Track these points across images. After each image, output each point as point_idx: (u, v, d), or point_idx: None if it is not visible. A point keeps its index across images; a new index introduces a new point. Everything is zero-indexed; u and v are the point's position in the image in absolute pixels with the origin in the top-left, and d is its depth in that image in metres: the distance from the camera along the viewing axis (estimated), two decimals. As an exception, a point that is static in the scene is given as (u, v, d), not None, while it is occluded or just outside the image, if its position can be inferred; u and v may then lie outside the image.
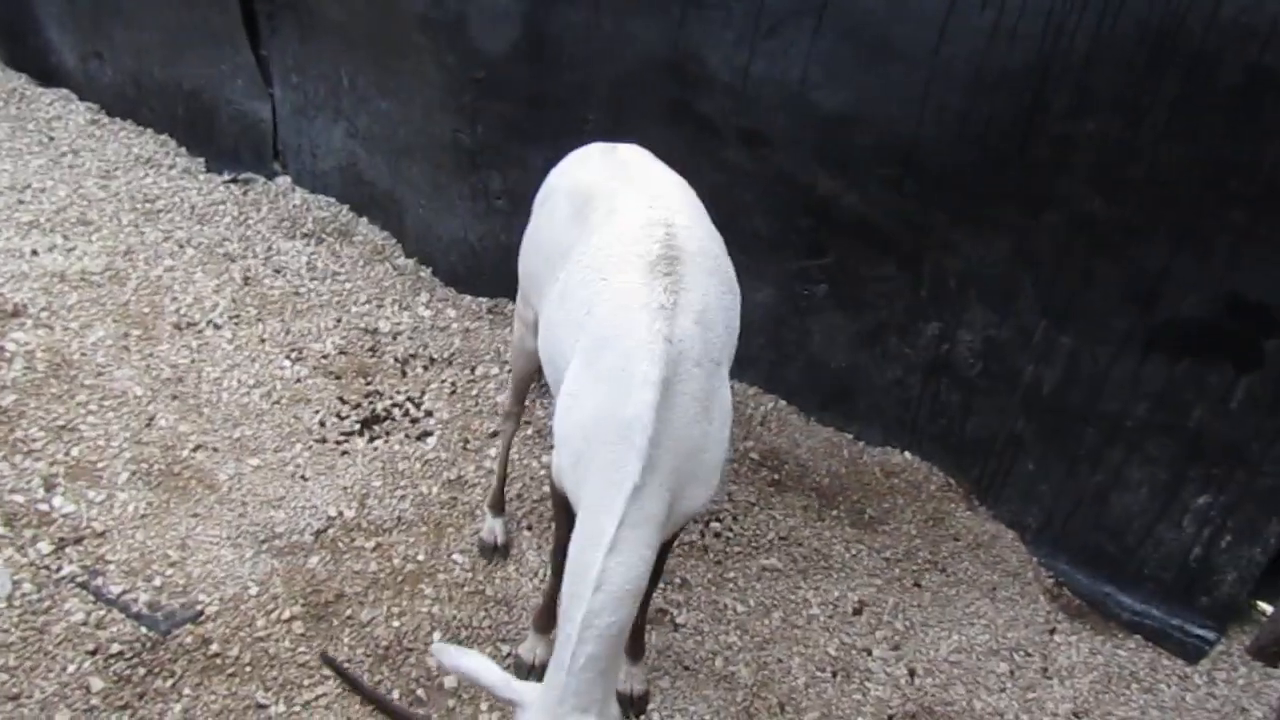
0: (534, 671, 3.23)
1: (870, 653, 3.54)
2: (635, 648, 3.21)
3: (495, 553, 3.70)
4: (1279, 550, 3.53)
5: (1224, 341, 3.35)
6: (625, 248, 2.70)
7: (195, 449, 3.98)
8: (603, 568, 2.26)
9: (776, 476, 4.20)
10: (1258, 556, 3.54)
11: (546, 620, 3.25)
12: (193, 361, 4.43)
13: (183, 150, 6.07)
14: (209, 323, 4.68)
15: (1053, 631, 3.71)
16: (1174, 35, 3.08)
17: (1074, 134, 3.38)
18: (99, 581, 3.39)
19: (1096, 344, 3.62)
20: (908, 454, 4.36)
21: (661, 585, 3.57)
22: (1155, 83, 3.17)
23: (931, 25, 3.47)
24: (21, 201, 5.30)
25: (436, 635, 3.37)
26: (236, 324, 4.70)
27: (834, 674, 3.44)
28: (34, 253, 4.88)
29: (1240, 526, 3.53)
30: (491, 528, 3.74)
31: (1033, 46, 3.33)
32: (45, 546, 3.42)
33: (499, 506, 3.78)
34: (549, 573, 3.30)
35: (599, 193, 3.00)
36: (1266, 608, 3.69)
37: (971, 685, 3.47)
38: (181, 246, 5.18)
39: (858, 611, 3.69)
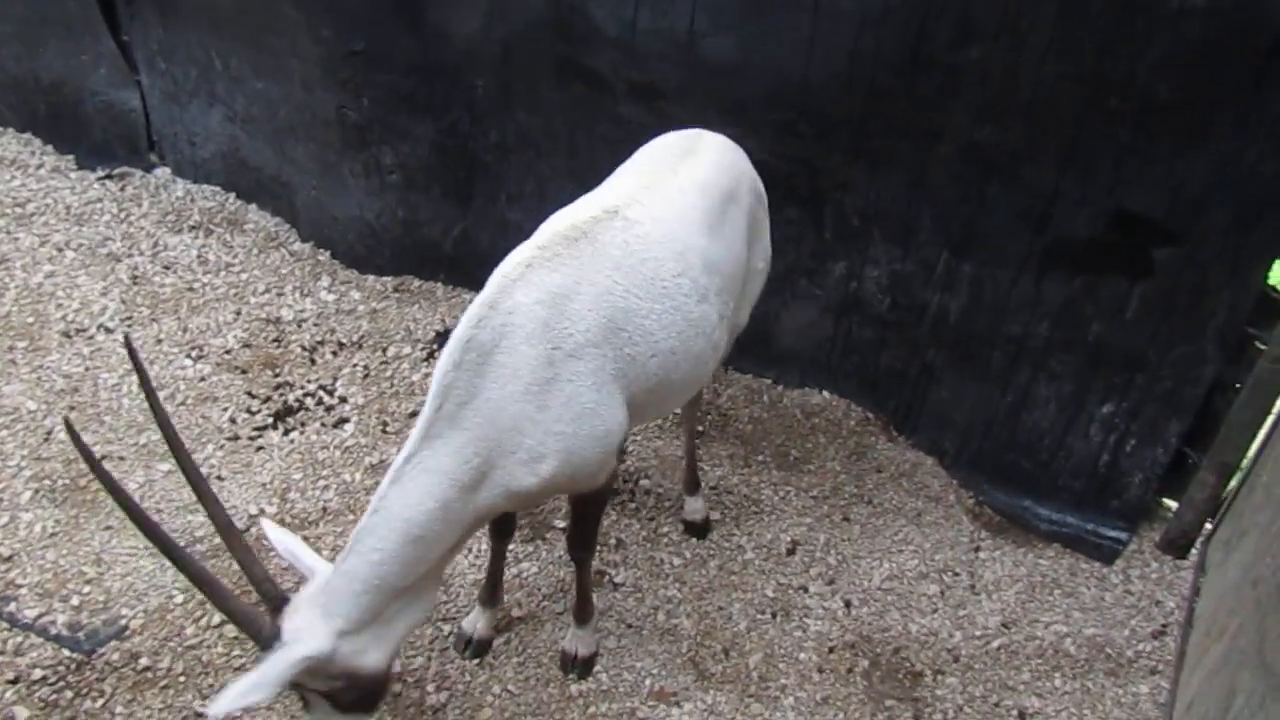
0: (471, 644, 3.25)
1: (807, 590, 3.62)
2: (582, 611, 3.22)
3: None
4: (1180, 449, 3.71)
5: (1115, 255, 3.47)
6: (557, 221, 2.72)
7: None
8: (383, 494, 2.38)
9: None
10: (1160, 457, 3.72)
11: (489, 593, 3.25)
12: (87, 369, 4.23)
13: (49, 148, 5.75)
14: (100, 327, 4.47)
15: (977, 549, 3.85)
16: (1047, -40, 3.15)
17: (959, 64, 3.44)
18: (12, 607, 3.24)
19: (996, 269, 3.72)
20: (826, 393, 4.44)
21: (597, 547, 3.58)
22: (1033, 6, 3.23)
23: (813, -35, 3.48)
24: (-123, 217, 4.98)
25: (375, 622, 3.32)
26: (129, 326, 4.50)
27: (774, 614, 3.51)
28: (-102, 271, 4.60)
29: (1143, 430, 3.70)
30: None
31: (913, -20, 3.37)
32: (-52, 578, 3.26)
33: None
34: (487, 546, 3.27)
35: (618, 172, 3.01)
36: (1172, 504, 3.89)
37: (905, 610, 3.58)
38: (60, 250, 4.93)
39: (791, 551, 3.76)
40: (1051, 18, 3.22)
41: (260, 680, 2.21)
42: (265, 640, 2.31)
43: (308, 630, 2.31)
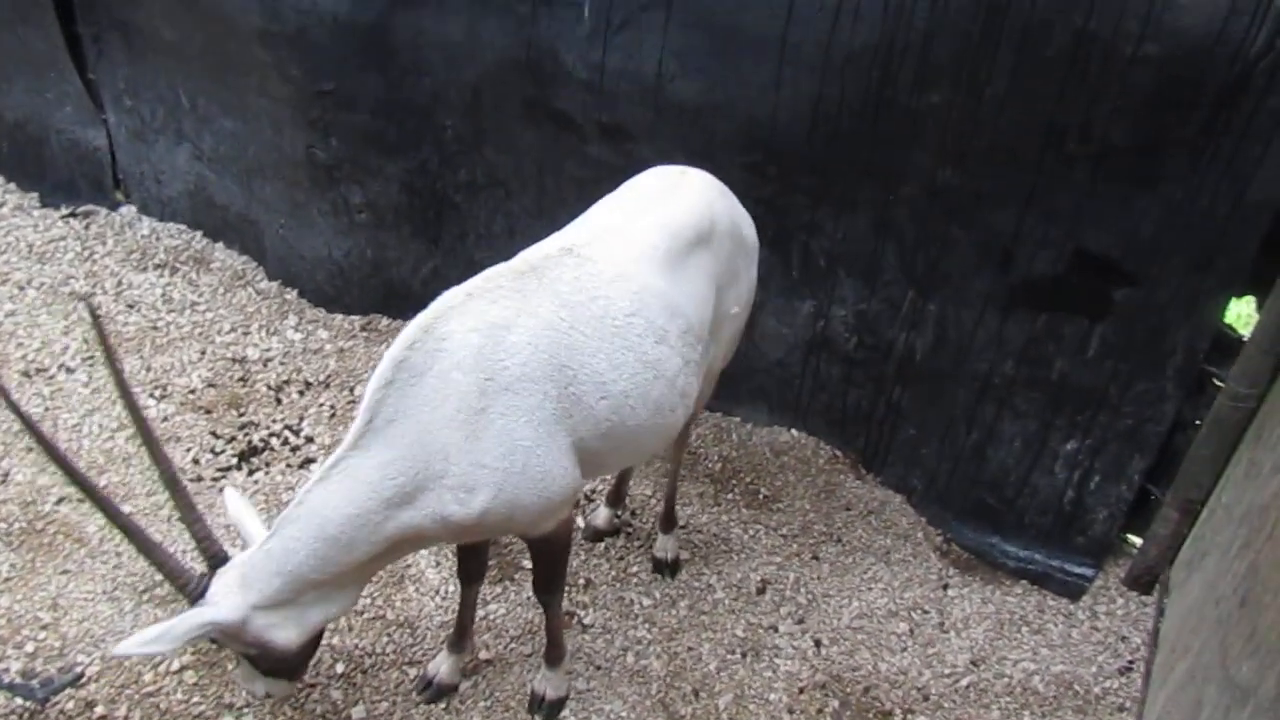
0: (430, 687, 3.21)
1: (777, 629, 3.60)
2: (552, 653, 3.19)
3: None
4: (1143, 486, 3.75)
5: (1076, 295, 3.53)
6: (517, 258, 2.72)
7: (58, 502, 3.75)
8: (308, 489, 2.44)
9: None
10: (1124, 493, 3.76)
11: (457, 639, 3.21)
12: (47, 409, 4.17)
13: (12, 186, 5.69)
14: (60, 366, 4.41)
15: (946, 587, 3.86)
16: (1006, 6, 3.22)
17: (921, 108, 3.50)
18: (-37, 656, 3.16)
19: (961, 308, 3.77)
20: (794, 431, 4.45)
21: (566, 587, 3.55)
22: (991, 53, 3.31)
23: (778, 10, 3.54)
24: None
25: (339, 667, 3.27)
26: (91, 365, 4.44)
27: (744, 655, 3.49)
28: None
29: (1106, 467, 3.74)
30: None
31: (875, 25, 3.44)
32: (-103, 626, 3.17)
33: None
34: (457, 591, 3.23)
35: (593, 209, 3.01)
36: (1136, 540, 3.92)
37: (875, 649, 3.58)
38: (21, 288, 4.86)
39: (761, 590, 3.75)
40: (1008, 65, 3.29)
41: (165, 633, 2.34)
42: (190, 595, 2.46)
43: (224, 596, 2.43)
